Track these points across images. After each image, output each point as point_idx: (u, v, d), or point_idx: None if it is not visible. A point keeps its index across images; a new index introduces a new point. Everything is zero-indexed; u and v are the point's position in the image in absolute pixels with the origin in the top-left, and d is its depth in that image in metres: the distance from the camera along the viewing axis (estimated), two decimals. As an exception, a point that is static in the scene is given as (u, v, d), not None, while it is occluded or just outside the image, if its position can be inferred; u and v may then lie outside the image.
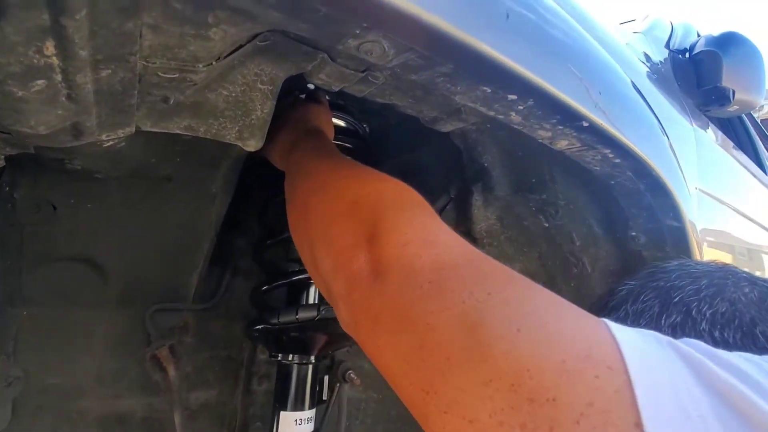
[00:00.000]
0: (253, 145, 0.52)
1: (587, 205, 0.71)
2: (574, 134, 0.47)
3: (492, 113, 0.45)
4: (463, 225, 0.84)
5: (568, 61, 0.43)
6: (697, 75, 1.03)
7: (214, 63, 0.40)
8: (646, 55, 0.99)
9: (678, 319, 0.33)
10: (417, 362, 0.28)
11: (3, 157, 0.43)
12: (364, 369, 0.95)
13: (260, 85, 0.49)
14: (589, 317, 0.25)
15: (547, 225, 0.80)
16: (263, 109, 0.50)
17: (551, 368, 0.22)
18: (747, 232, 1.15)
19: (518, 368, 0.23)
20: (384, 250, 0.34)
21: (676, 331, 0.33)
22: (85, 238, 0.65)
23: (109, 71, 0.34)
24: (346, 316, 0.37)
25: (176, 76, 0.39)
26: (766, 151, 1.85)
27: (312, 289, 0.79)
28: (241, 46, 0.42)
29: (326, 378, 0.90)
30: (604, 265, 0.77)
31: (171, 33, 0.33)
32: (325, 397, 0.89)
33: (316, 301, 0.79)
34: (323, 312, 0.71)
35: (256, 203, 0.84)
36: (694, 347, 0.23)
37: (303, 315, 0.72)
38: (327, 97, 0.77)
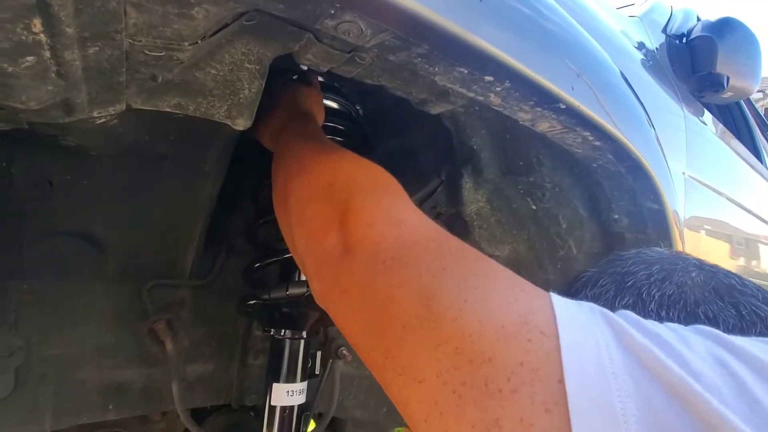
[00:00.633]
0: (242, 124, 0.53)
1: (572, 188, 0.72)
2: (553, 116, 0.48)
3: (472, 95, 0.46)
4: (453, 207, 0.85)
5: (545, 43, 0.44)
6: (693, 61, 1.03)
7: (199, 42, 0.41)
8: (641, 40, 0.99)
9: (630, 301, 0.35)
10: (378, 330, 0.31)
11: (-2, 132, 0.45)
12: (355, 345, 0.97)
13: (248, 65, 0.50)
14: (532, 290, 0.28)
15: (534, 207, 0.81)
16: (251, 89, 0.51)
17: (490, 333, 0.25)
18: (737, 218, 1.16)
19: (462, 333, 0.25)
20: (352, 229, 0.37)
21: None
22: (82, 214, 0.67)
23: (97, 48, 0.35)
24: (319, 291, 0.41)
25: (162, 54, 0.40)
26: (765, 140, 1.84)
27: (302, 267, 0.81)
28: (226, 25, 0.43)
29: (318, 353, 0.93)
30: (588, 247, 0.79)
31: (154, 12, 0.34)
32: (317, 372, 0.92)
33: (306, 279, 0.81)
34: (312, 288, 0.73)
35: (250, 183, 0.85)
36: (623, 316, 0.25)
37: (293, 291, 0.74)
38: (320, 79, 0.78)
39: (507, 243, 0.88)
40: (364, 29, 0.35)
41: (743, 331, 0.30)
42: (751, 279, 0.35)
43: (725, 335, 0.23)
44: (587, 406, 0.21)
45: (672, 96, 0.93)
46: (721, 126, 1.32)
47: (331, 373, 0.96)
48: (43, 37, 0.32)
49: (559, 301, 0.26)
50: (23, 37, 0.31)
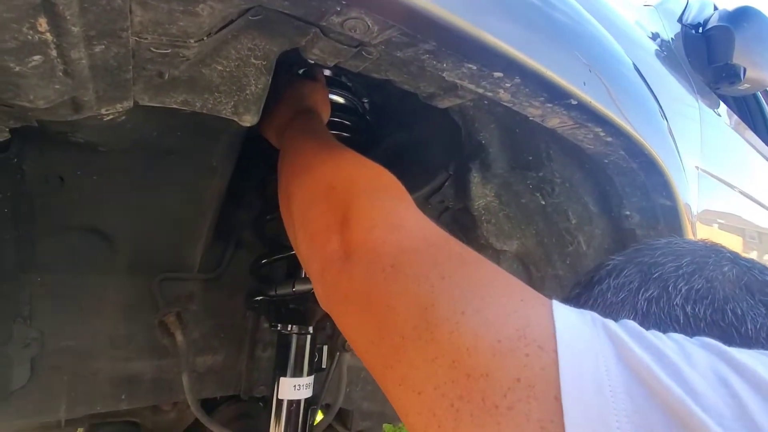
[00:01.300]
0: (248, 120, 0.53)
1: (583, 184, 0.71)
2: (564, 112, 0.47)
3: (481, 90, 0.45)
4: (461, 201, 0.85)
5: (556, 37, 0.43)
6: (709, 51, 1.00)
7: (205, 38, 0.41)
8: (655, 30, 0.96)
9: (654, 293, 0.34)
10: (378, 340, 0.31)
11: (7, 129, 0.45)
12: (362, 339, 0.98)
13: (254, 60, 0.49)
14: (533, 298, 0.28)
15: (543, 203, 0.80)
16: (258, 85, 0.51)
17: (487, 348, 0.25)
18: (751, 212, 1.13)
19: (459, 347, 0.25)
20: (353, 234, 0.37)
21: (651, 304, 0.34)
22: (93, 209, 0.68)
23: (103, 47, 0.35)
24: (321, 295, 0.41)
25: (169, 51, 0.40)
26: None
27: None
28: (232, 21, 0.42)
29: (325, 348, 0.94)
30: (598, 243, 0.78)
31: (160, 9, 0.34)
32: (324, 366, 0.93)
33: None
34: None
35: (257, 178, 0.85)
36: (624, 328, 0.24)
37: (299, 288, 0.75)
38: (326, 73, 0.78)
39: (515, 238, 0.88)
40: (370, 26, 0.34)
41: None
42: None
43: (730, 350, 0.23)
44: (583, 424, 0.20)
45: (687, 88, 0.91)
46: (736, 118, 1.28)
47: (339, 366, 0.97)
48: (49, 36, 0.32)
49: (560, 312, 0.26)
50: (29, 37, 0.31)
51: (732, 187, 1.02)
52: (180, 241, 0.79)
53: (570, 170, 0.71)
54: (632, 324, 0.25)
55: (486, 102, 0.64)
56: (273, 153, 0.64)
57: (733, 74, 0.95)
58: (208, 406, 0.94)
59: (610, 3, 0.76)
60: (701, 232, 0.83)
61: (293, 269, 0.85)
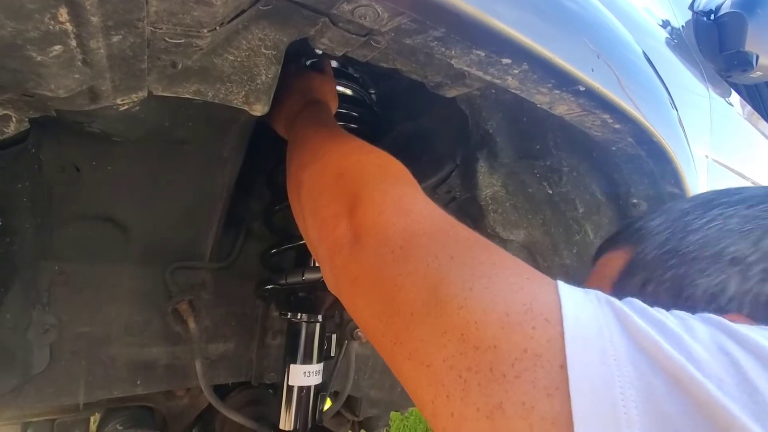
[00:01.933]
0: (259, 109, 0.54)
1: (590, 172, 0.71)
2: (572, 99, 0.48)
3: (489, 77, 0.45)
4: (468, 191, 0.85)
5: (563, 23, 0.43)
6: (720, 38, 0.98)
7: (218, 28, 0.42)
8: (666, 17, 0.95)
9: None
10: (387, 318, 0.32)
11: (27, 119, 0.47)
12: (370, 328, 0.99)
13: (264, 50, 0.50)
14: (538, 278, 0.29)
15: (551, 192, 0.80)
16: (268, 74, 0.52)
17: (495, 321, 0.26)
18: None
19: (468, 321, 0.26)
20: (362, 219, 0.38)
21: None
22: (107, 198, 0.70)
23: (120, 37, 0.36)
24: (331, 279, 0.42)
25: (182, 41, 0.41)
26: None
27: (319, 252, 0.83)
28: (243, 11, 0.43)
29: (334, 336, 0.95)
30: (606, 231, 0.78)
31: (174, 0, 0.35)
32: (333, 353, 0.95)
33: (322, 263, 0.83)
34: (328, 273, 0.75)
35: (266, 168, 0.87)
36: (628, 304, 0.25)
37: (309, 276, 0.76)
38: (334, 64, 0.78)
39: (522, 227, 0.88)
40: (380, 13, 0.35)
41: None
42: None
43: (732, 324, 0.23)
44: (588, 391, 0.21)
45: (697, 76, 0.90)
46: (748, 107, 1.26)
47: (347, 354, 0.98)
48: (69, 26, 0.33)
49: (565, 289, 0.26)
50: (50, 27, 0.32)
51: (743, 176, 1.01)
52: (192, 230, 0.80)
53: (577, 159, 0.71)
54: (637, 301, 0.26)
55: (493, 91, 0.65)
56: (281, 144, 0.65)
57: (745, 62, 0.94)
58: (220, 392, 0.96)
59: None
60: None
61: (303, 258, 0.86)
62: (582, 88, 0.45)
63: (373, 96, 0.90)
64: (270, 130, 0.69)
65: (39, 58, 0.34)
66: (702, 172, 0.78)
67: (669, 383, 0.20)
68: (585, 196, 0.76)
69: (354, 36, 0.49)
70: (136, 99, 0.47)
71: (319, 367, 0.85)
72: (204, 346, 0.87)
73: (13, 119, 0.47)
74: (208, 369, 0.87)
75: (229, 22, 0.43)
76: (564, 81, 0.44)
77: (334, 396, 1.01)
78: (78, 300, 0.74)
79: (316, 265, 0.83)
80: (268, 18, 0.47)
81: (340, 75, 0.80)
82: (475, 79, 0.58)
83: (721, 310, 0.31)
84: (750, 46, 0.93)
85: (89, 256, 0.73)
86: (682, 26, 1.01)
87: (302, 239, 0.81)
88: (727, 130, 0.97)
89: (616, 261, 0.40)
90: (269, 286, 0.87)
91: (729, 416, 0.19)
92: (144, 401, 0.93)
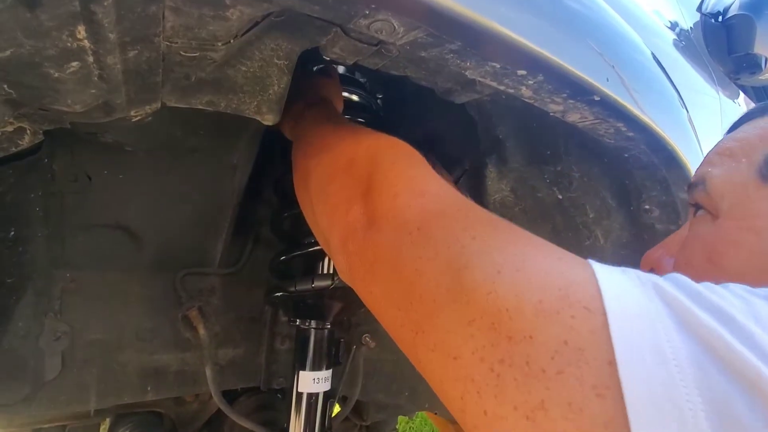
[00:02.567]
0: (271, 119, 0.54)
1: (601, 178, 0.71)
2: (586, 108, 0.47)
3: (503, 87, 0.45)
4: (477, 196, 0.85)
5: (580, 34, 0.43)
6: (729, 40, 0.97)
7: (232, 41, 0.42)
8: (674, 19, 0.94)
9: None
10: (407, 305, 0.29)
11: (41, 131, 0.47)
12: (379, 332, 0.99)
13: (277, 60, 0.50)
14: (572, 259, 0.25)
15: (560, 197, 0.80)
16: (280, 84, 0.52)
17: (528, 308, 0.23)
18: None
19: (498, 308, 0.24)
20: (376, 202, 0.36)
21: None
22: (119, 207, 0.70)
23: (136, 52, 0.36)
24: (344, 266, 0.39)
25: (197, 54, 0.41)
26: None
27: (327, 260, 0.83)
28: (257, 23, 0.43)
29: (342, 341, 0.95)
30: (616, 237, 0.78)
31: (191, 15, 0.35)
32: (341, 360, 0.95)
33: (331, 271, 0.83)
34: (337, 281, 0.75)
35: (274, 175, 0.87)
36: (677, 285, 0.22)
37: (318, 283, 0.76)
38: (341, 70, 0.78)
39: (531, 232, 0.88)
40: (396, 27, 0.35)
41: None
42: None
43: None
44: (644, 394, 0.18)
45: (706, 79, 0.89)
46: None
47: (355, 360, 0.98)
48: (86, 43, 0.33)
49: (602, 272, 0.23)
50: (68, 44, 0.33)
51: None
52: (201, 237, 0.81)
53: (588, 164, 0.71)
54: (683, 279, 0.22)
55: (503, 96, 0.64)
56: (289, 150, 0.65)
57: (754, 64, 0.93)
58: (229, 397, 0.96)
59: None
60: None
61: (311, 265, 0.86)
62: (597, 98, 0.45)
63: (379, 102, 0.90)
64: (278, 137, 0.69)
65: (56, 75, 0.35)
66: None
67: (743, 389, 0.18)
68: (595, 201, 0.76)
69: (365, 45, 0.49)
70: (149, 110, 0.48)
71: (328, 373, 0.85)
72: (213, 352, 0.87)
73: (28, 132, 0.47)
74: (217, 375, 0.87)
75: (243, 34, 0.43)
76: (579, 91, 0.44)
77: (343, 401, 1.01)
78: (89, 307, 0.75)
79: (326, 272, 0.83)
80: (280, 28, 0.47)
81: (347, 81, 0.80)
82: (486, 86, 0.57)
83: None
84: (759, 48, 0.93)
85: (101, 263, 0.73)
86: (691, 28, 1.01)
87: (310, 246, 0.81)
88: (737, 133, 0.96)
89: None
90: (278, 294, 0.87)
91: None
92: (153, 407, 0.93)
